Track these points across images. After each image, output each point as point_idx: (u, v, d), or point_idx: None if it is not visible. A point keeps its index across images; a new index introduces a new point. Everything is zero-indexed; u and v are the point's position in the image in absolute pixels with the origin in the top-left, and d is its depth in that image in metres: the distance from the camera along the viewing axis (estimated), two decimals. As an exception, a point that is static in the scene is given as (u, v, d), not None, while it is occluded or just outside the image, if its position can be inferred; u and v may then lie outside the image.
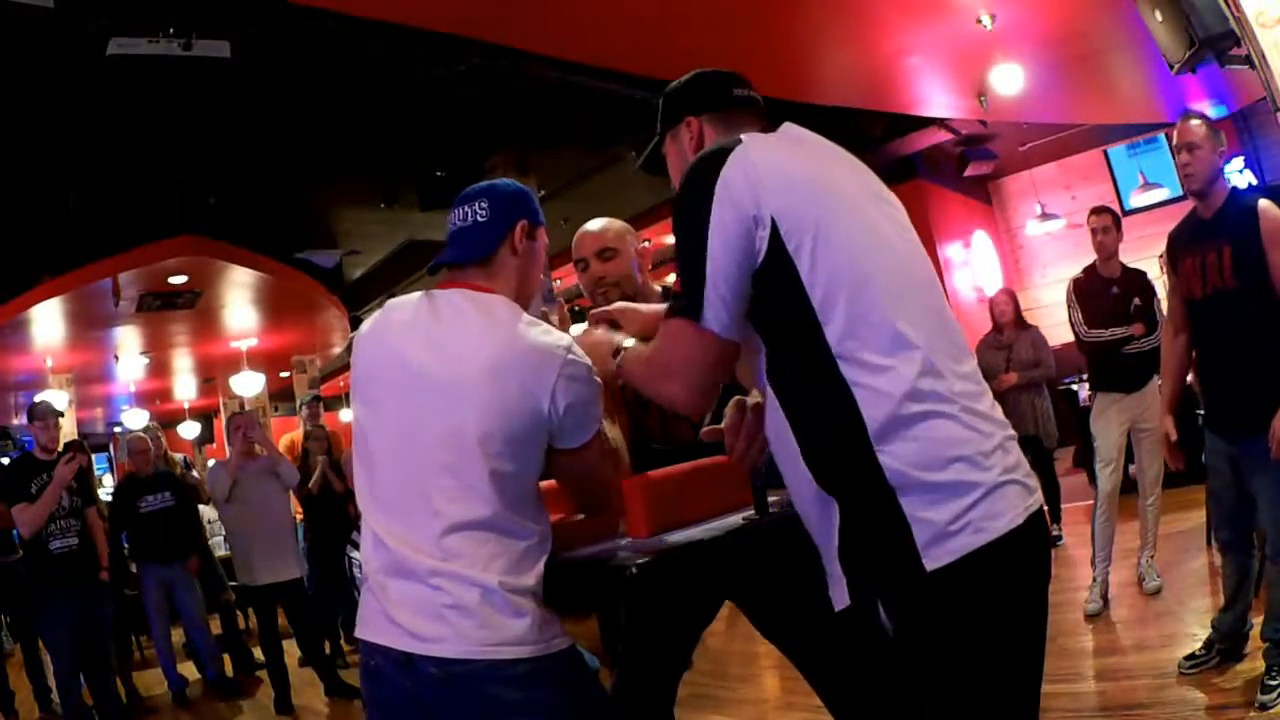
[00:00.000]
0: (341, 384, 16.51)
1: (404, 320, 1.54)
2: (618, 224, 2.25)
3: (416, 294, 1.58)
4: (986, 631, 1.20)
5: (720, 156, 1.27)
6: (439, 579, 1.35)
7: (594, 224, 2.23)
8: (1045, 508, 5.49)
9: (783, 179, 1.25)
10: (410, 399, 1.45)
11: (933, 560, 1.16)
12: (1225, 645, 2.96)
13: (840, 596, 1.26)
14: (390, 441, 1.47)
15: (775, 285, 1.24)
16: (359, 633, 1.45)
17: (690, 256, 1.26)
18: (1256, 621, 2.92)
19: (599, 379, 1.48)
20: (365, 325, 1.59)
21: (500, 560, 1.37)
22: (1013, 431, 1.30)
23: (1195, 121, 2.81)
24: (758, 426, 1.45)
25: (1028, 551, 1.24)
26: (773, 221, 1.22)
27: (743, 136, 1.32)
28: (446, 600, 1.34)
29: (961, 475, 1.18)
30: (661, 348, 1.35)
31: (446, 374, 1.43)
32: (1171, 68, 3.77)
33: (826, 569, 1.28)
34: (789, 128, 1.42)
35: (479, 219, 1.57)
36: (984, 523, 1.18)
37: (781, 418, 1.28)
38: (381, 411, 1.49)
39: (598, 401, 1.48)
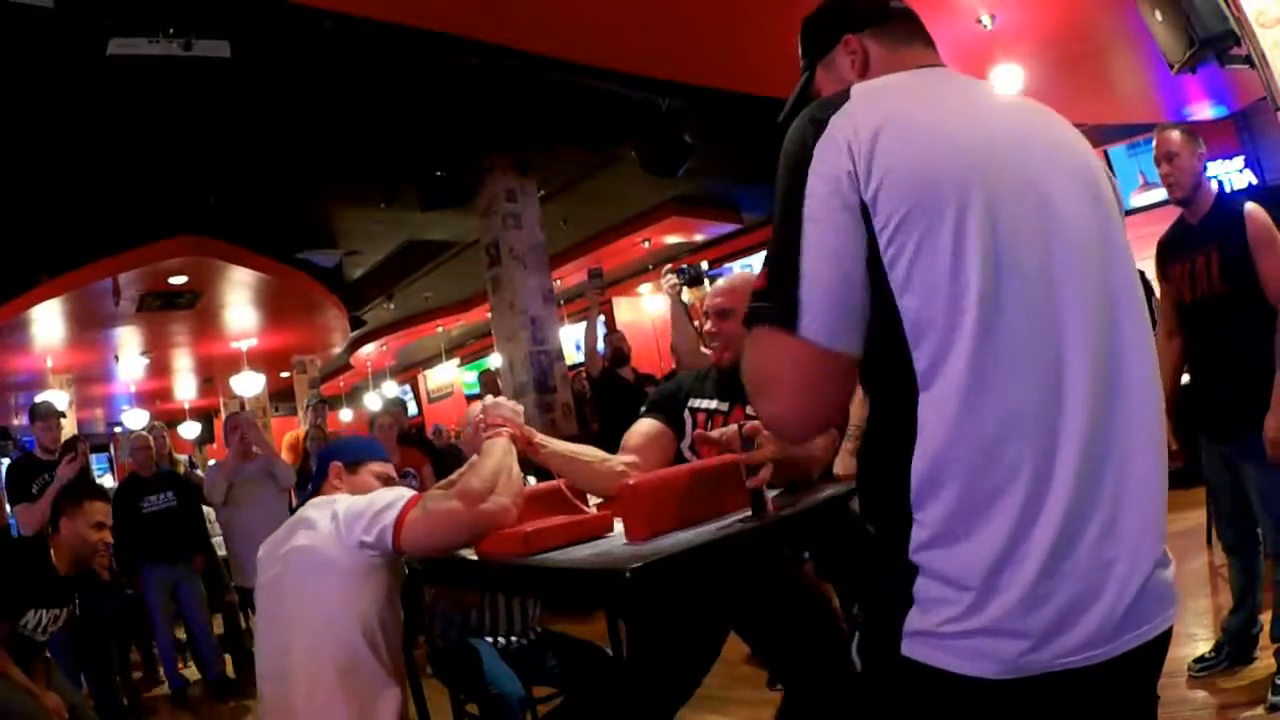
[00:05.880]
0: (341, 384, 16.53)
1: None
2: (741, 287, 2.31)
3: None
4: None
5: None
6: None
7: (722, 281, 2.37)
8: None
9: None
10: None
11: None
12: (1234, 648, 2.95)
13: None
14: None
15: None
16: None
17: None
18: (1264, 620, 2.93)
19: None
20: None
21: None
22: None
23: (1170, 131, 2.86)
24: None
25: None
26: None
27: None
28: None
29: None
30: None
31: None
32: (1171, 68, 3.77)
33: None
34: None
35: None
36: None
37: None
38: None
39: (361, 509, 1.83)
